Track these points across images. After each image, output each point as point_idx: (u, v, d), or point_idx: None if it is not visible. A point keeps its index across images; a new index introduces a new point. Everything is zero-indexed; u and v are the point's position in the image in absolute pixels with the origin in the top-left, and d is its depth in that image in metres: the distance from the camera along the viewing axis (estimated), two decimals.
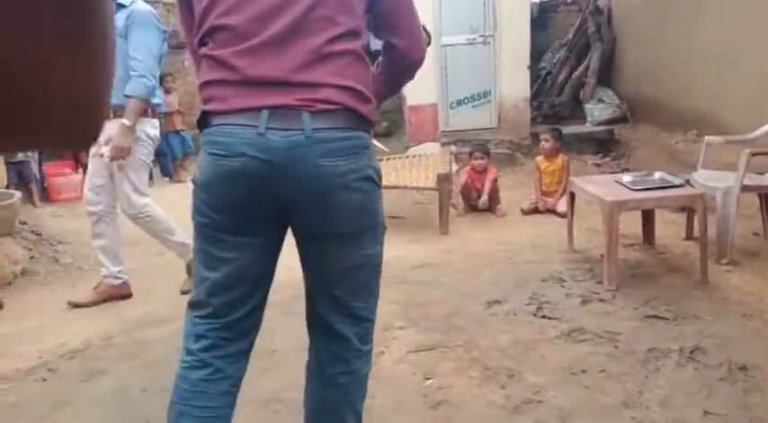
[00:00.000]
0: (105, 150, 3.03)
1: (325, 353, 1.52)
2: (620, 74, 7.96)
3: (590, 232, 4.10)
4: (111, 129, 2.95)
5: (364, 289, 1.48)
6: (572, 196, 3.82)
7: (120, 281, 3.39)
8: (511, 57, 6.78)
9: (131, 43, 3.02)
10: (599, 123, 7.36)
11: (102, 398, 2.39)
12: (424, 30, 1.52)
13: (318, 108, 1.29)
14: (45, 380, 2.55)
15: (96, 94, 0.37)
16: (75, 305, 3.32)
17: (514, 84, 6.85)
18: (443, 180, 4.46)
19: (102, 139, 2.92)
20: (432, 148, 5.94)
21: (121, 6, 3.06)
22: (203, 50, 1.36)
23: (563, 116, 7.82)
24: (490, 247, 4.10)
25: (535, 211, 4.97)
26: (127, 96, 3.00)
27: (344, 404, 1.53)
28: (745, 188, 3.45)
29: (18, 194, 4.24)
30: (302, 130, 1.28)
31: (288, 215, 1.38)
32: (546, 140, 5.08)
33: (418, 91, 6.76)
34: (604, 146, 6.88)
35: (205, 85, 1.36)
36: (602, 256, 3.40)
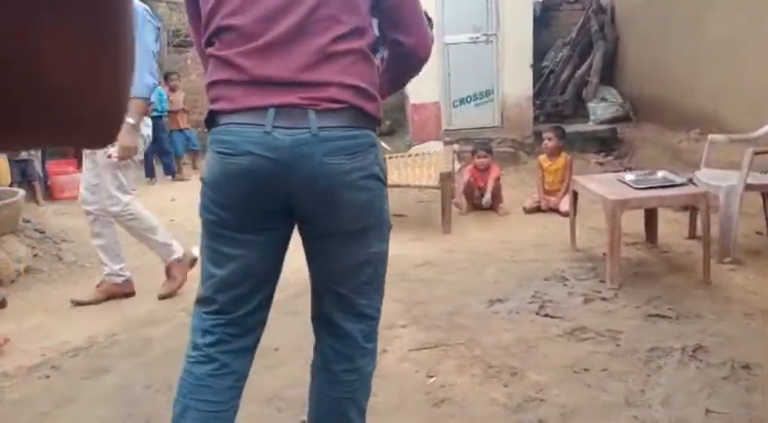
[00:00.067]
0: (113, 151, 3.05)
1: (330, 350, 1.53)
2: (624, 72, 7.94)
3: (592, 231, 4.10)
4: None
5: (369, 287, 1.49)
6: (575, 195, 3.82)
7: (123, 279, 3.40)
8: (514, 55, 6.77)
9: None
10: (602, 122, 7.36)
11: (105, 395, 2.39)
12: (426, 16, 1.52)
13: (324, 107, 1.30)
14: (48, 377, 2.56)
15: (120, 93, 0.37)
16: (79, 303, 3.33)
17: (517, 82, 6.85)
18: (446, 179, 4.46)
19: None
20: (434, 146, 5.94)
21: None
22: (210, 51, 1.37)
23: (566, 115, 7.81)
24: (493, 245, 4.10)
25: (538, 209, 4.97)
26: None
27: (348, 401, 1.54)
28: (748, 187, 3.44)
29: (21, 192, 4.25)
30: (308, 128, 1.29)
31: (294, 213, 1.39)
32: (549, 139, 5.08)
33: (421, 89, 6.76)
34: (607, 145, 6.87)
35: (212, 84, 1.37)
36: (604, 254, 3.40)
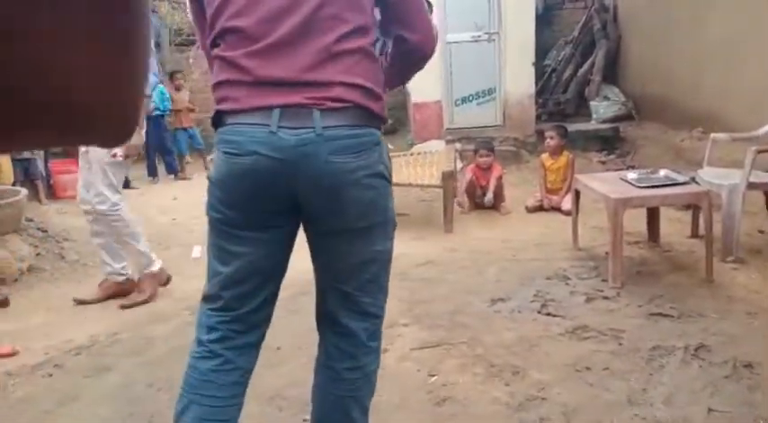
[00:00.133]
0: (118, 150, 3.05)
1: (334, 349, 1.54)
2: (626, 71, 7.93)
3: (595, 230, 4.09)
4: None
5: (374, 285, 1.50)
6: (577, 194, 3.82)
7: (124, 277, 3.40)
8: (516, 54, 6.77)
9: None
10: (604, 121, 7.35)
11: (107, 394, 2.40)
12: (427, 1, 1.52)
13: (329, 106, 1.31)
14: (51, 376, 2.57)
15: (138, 93, 0.38)
16: (81, 302, 3.34)
17: (519, 81, 6.84)
18: (448, 177, 4.46)
19: None
20: (436, 145, 5.94)
21: None
22: (215, 52, 1.38)
23: (568, 113, 7.80)
24: (495, 244, 4.10)
25: (540, 208, 4.97)
26: None
27: (351, 400, 1.54)
28: (750, 186, 3.43)
29: (24, 191, 4.26)
30: (313, 128, 1.30)
31: (300, 211, 1.40)
32: (551, 138, 5.07)
33: (423, 88, 6.76)
34: (609, 143, 6.86)
35: (218, 85, 1.38)
36: (606, 253, 3.39)
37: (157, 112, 6.89)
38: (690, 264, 3.48)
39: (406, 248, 3.86)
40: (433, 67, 6.67)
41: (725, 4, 5.59)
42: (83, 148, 3.14)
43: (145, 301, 3.29)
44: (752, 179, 3.42)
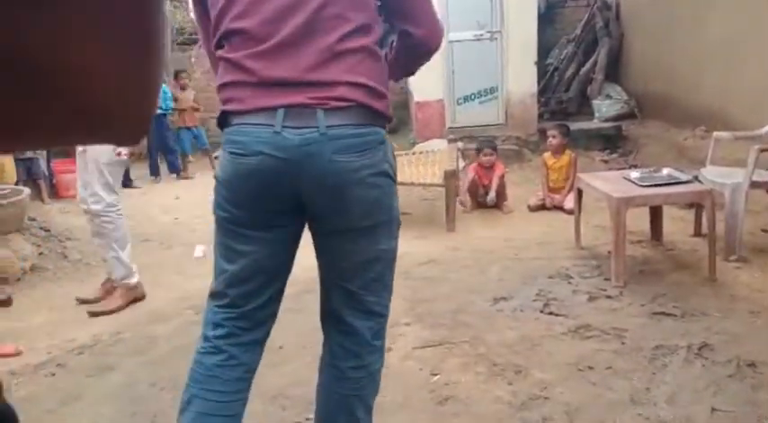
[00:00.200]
0: (123, 149, 3.05)
1: (338, 347, 1.54)
2: (628, 70, 7.92)
3: (597, 229, 4.09)
4: None
5: (378, 283, 1.50)
6: (579, 193, 3.81)
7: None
8: (518, 53, 6.76)
9: None
10: (606, 119, 7.34)
11: (110, 393, 2.40)
12: None
13: (332, 105, 1.31)
14: (54, 375, 2.57)
15: (154, 93, 0.39)
16: (84, 301, 3.34)
17: (521, 80, 6.83)
18: (450, 176, 4.46)
19: None
20: (438, 144, 5.94)
21: None
22: (220, 53, 1.39)
23: (570, 112, 7.79)
24: (497, 243, 4.10)
25: (542, 207, 4.96)
26: None
27: (355, 398, 1.55)
28: (753, 184, 3.42)
29: (27, 191, 4.27)
30: (317, 127, 1.30)
31: (304, 210, 1.41)
32: (553, 137, 5.07)
33: (425, 87, 6.76)
34: (612, 142, 6.85)
35: (223, 86, 1.39)
36: (609, 252, 3.39)
37: (159, 111, 6.89)
38: (693, 263, 3.47)
39: (409, 247, 3.86)
40: (435, 65, 6.67)
41: (727, 3, 5.58)
42: (80, 148, 3.13)
43: (112, 311, 3.20)
44: (755, 178, 3.41)
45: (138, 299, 3.34)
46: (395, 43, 1.53)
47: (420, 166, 4.95)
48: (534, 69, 6.88)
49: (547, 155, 5.16)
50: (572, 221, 3.96)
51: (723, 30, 5.59)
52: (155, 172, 7.51)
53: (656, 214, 3.87)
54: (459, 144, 5.94)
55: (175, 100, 7.51)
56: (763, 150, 3.35)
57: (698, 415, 2.03)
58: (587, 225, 4.06)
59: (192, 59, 8.42)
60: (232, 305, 1.46)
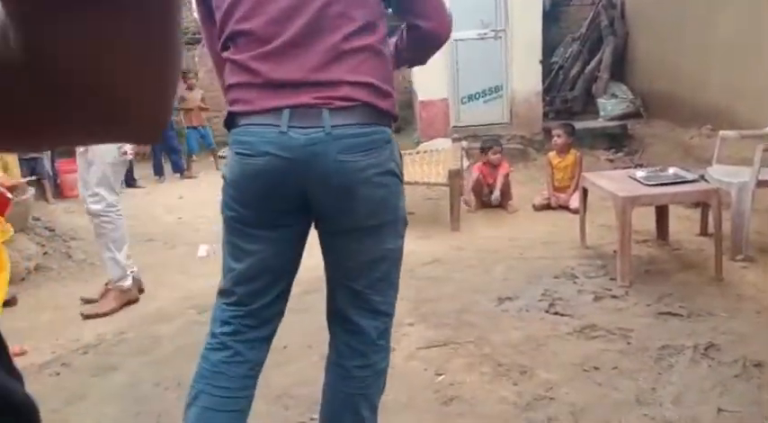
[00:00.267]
0: (128, 148, 3.05)
1: (344, 346, 1.55)
2: (634, 68, 7.89)
3: (602, 228, 4.07)
4: None
5: (384, 283, 1.51)
6: (584, 192, 3.80)
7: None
8: (523, 51, 6.73)
9: None
10: (612, 118, 7.30)
11: (115, 392, 2.40)
12: None
13: (337, 105, 1.32)
14: (59, 374, 2.57)
15: (172, 92, 0.41)
16: (88, 301, 3.34)
17: (526, 78, 6.81)
18: (454, 176, 4.45)
19: None
20: (443, 143, 5.92)
21: None
22: (226, 55, 1.40)
23: (575, 111, 7.76)
24: (502, 243, 4.09)
25: (547, 206, 4.94)
26: None
27: (361, 397, 1.55)
28: (760, 183, 3.40)
29: (31, 190, 4.28)
30: (322, 127, 1.31)
31: (311, 210, 1.42)
32: (558, 136, 5.05)
33: (429, 86, 6.75)
34: (617, 141, 6.83)
35: (230, 87, 1.40)
36: (614, 252, 3.37)
37: None
38: (699, 262, 3.45)
39: (413, 247, 3.84)
40: (440, 64, 6.66)
41: (733, 1, 5.55)
42: (80, 148, 3.13)
43: (105, 314, 3.19)
44: (761, 177, 3.39)
45: (132, 301, 3.33)
46: (404, 34, 1.53)
47: (424, 166, 4.94)
48: (539, 68, 6.86)
49: (552, 154, 5.15)
50: (577, 221, 3.95)
51: (729, 28, 5.56)
52: (158, 171, 7.52)
53: (661, 213, 3.85)
54: (464, 143, 5.92)
55: (182, 100, 7.53)
56: None
57: (704, 415, 2.02)
58: (592, 224, 4.04)
59: (196, 59, 8.42)
60: (239, 303, 1.48)
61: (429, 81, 6.79)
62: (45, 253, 4.07)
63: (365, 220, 1.40)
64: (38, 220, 4.43)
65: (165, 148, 7.50)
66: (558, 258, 3.66)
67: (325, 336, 1.61)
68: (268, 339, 1.54)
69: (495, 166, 5.03)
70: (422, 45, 1.54)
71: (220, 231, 1.52)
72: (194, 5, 1.57)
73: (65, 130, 0.40)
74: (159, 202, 6.19)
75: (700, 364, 2.34)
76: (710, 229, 3.47)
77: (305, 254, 1.52)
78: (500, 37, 6.83)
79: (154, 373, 2.53)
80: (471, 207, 5.04)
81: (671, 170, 3.55)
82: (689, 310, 2.80)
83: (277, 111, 1.32)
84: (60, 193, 6.43)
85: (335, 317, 1.56)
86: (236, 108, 1.38)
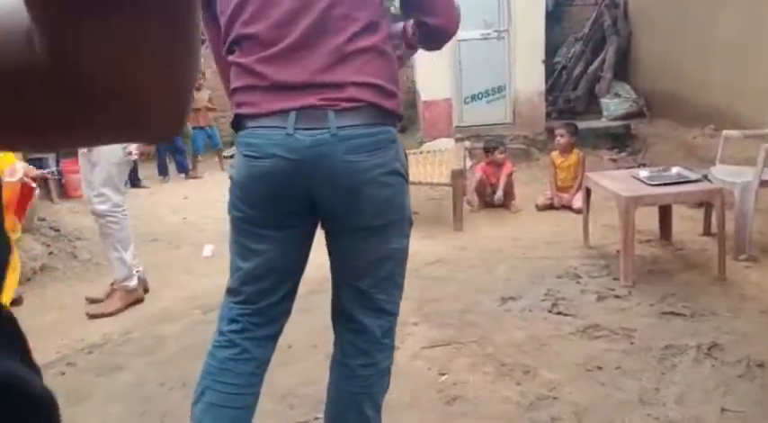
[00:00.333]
0: (133, 148, 3.06)
1: (349, 345, 1.56)
2: (637, 68, 7.88)
3: (606, 228, 4.07)
4: None
5: (389, 282, 1.52)
6: (588, 192, 3.80)
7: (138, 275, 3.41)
8: (525, 51, 6.73)
9: None
10: (615, 118, 7.30)
11: (120, 392, 2.42)
12: None
13: (343, 106, 1.33)
14: (64, 374, 2.59)
15: (190, 92, 0.42)
16: (94, 301, 3.36)
17: (529, 78, 6.81)
18: (457, 176, 4.45)
19: None
20: (446, 143, 5.92)
21: None
22: (231, 58, 1.42)
23: (578, 111, 7.76)
24: (505, 243, 4.09)
25: (550, 206, 4.95)
26: None
27: (365, 396, 1.57)
28: (763, 183, 3.40)
29: (36, 190, 4.29)
30: (328, 128, 1.33)
31: (317, 211, 1.44)
32: (561, 136, 5.05)
33: (432, 86, 6.76)
34: (620, 141, 6.82)
35: (235, 90, 1.42)
36: (618, 252, 3.38)
37: None
38: (702, 262, 3.45)
39: (417, 247, 3.83)
40: (443, 64, 6.66)
41: (737, 1, 5.54)
42: (83, 149, 3.14)
43: (110, 314, 3.20)
44: (765, 177, 3.38)
45: (137, 301, 3.34)
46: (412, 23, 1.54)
47: (427, 166, 4.94)
48: (542, 68, 6.86)
49: (555, 154, 5.15)
50: (580, 221, 3.95)
51: (732, 28, 5.55)
52: (163, 172, 7.54)
53: (665, 213, 3.85)
54: (467, 143, 5.92)
55: None
56: None
57: (707, 415, 2.02)
58: (596, 224, 4.04)
59: (202, 59, 8.46)
60: (247, 302, 1.50)
61: (432, 81, 6.80)
62: (50, 253, 4.09)
63: (371, 219, 1.42)
64: (43, 220, 4.45)
65: (170, 149, 7.52)
66: (561, 258, 3.66)
67: (330, 335, 1.62)
68: (274, 338, 1.56)
69: (498, 166, 5.04)
70: (431, 39, 1.56)
71: (226, 231, 1.53)
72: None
73: (85, 133, 0.41)
74: (164, 202, 6.21)
75: (703, 364, 2.34)
76: (714, 228, 3.47)
77: (311, 253, 1.54)
78: (503, 37, 6.83)
79: (159, 372, 2.54)
80: (474, 207, 5.04)
81: (674, 170, 3.55)
82: (692, 310, 2.80)
83: (283, 113, 1.33)
84: (65, 193, 6.45)
85: (340, 316, 1.58)
86: (242, 111, 1.39)
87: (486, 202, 5.09)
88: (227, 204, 1.49)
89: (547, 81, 7.29)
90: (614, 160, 6.42)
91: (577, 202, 4.55)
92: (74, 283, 3.83)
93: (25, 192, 2.79)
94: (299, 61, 1.33)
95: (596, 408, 2.10)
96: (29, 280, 3.76)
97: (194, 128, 7.73)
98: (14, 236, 2.75)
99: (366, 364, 1.55)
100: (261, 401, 1.57)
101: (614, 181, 3.50)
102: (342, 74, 1.33)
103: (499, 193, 4.98)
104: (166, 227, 5.14)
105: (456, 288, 3.29)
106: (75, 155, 6.66)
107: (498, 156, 5.06)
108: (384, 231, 1.45)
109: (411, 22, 1.52)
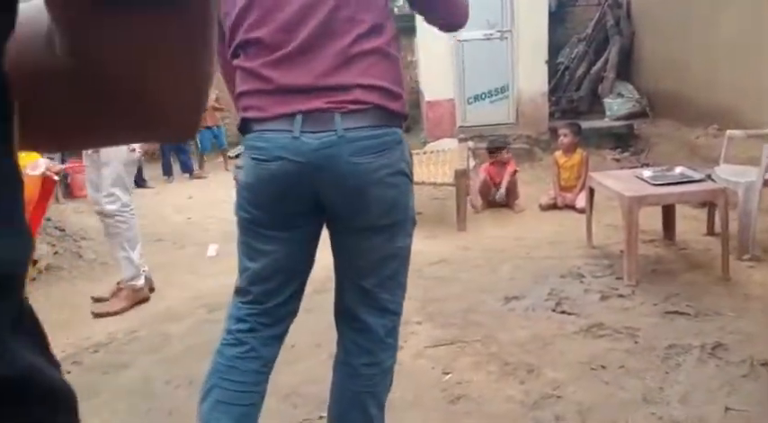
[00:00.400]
0: (136, 146, 3.08)
1: (352, 345, 1.57)
2: (640, 68, 7.87)
3: (609, 228, 4.07)
4: None
5: (393, 281, 1.54)
6: (591, 192, 3.80)
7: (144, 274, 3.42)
8: (529, 52, 6.74)
9: None
10: (618, 118, 7.30)
11: (126, 390, 2.43)
12: None
13: (349, 109, 1.34)
14: (70, 372, 2.60)
15: (206, 96, 0.43)
16: (99, 300, 3.37)
17: (532, 79, 6.81)
18: (461, 176, 4.46)
19: None
20: (449, 143, 5.93)
21: None
22: (236, 62, 1.43)
23: (581, 111, 7.76)
24: (508, 242, 4.09)
25: (553, 206, 4.95)
26: None
27: (368, 395, 1.57)
28: (767, 183, 3.40)
29: (57, 185, 4.30)
30: (335, 130, 1.34)
31: (323, 212, 1.46)
32: (564, 135, 5.05)
33: (435, 86, 6.77)
34: (624, 141, 6.82)
35: (241, 95, 1.43)
36: (621, 251, 3.38)
37: None
38: (706, 262, 3.45)
39: (420, 247, 3.84)
40: (446, 65, 6.67)
41: (737, 0, 5.53)
42: (89, 150, 3.16)
43: (116, 313, 3.21)
44: None
45: (143, 301, 3.36)
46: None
47: (431, 166, 4.95)
48: (545, 68, 6.86)
49: (558, 154, 5.15)
50: (584, 220, 3.95)
51: (736, 27, 5.55)
52: (168, 172, 7.56)
53: (668, 213, 3.85)
54: (470, 143, 5.93)
55: None
56: None
57: (711, 415, 2.03)
58: (599, 224, 4.04)
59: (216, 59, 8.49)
60: (255, 302, 1.51)
61: (435, 81, 6.81)
62: (56, 253, 4.10)
63: (378, 219, 1.43)
64: (48, 220, 4.46)
65: (174, 149, 7.53)
66: (564, 258, 3.66)
67: (334, 335, 1.63)
68: (281, 337, 1.58)
69: (503, 164, 5.04)
70: (443, 29, 1.59)
71: (230, 231, 1.55)
72: None
73: (105, 133, 0.41)
74: (168, 202, 6.23)
75: (707, 364, 2.35)
76: (717, 228, 3.47)
77: (319, 254, 1.55)
78: (506, 37, 6.84)
79: (164, 371, 2.55)
80: (477, 208, 5.04)
81: (678, 170, 3.55)
82: (696, 310, 2.81)
83: (290, 116, 1.34)
84: (70, 192, 6.47)
85: (344, 315, 1.59)
86: (249, 114, 1.41)
87: (489, 202, 5.09)
88: (233, 205, 1.50)
89: (550, 81, 7.29)
90: (617, 160, 6.42)
91: (581, 201, 4.55)
92: (79, 282, 3.85)
93: (46, 187, 2.80)
94: (304, 64, 1.34)
95: (600, 407, 2.11)
96: (34, 279, 3.78)
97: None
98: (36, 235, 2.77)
99: (369, 363, 1.56)
100: (265, 400, 1.57)
101: (617, 181, 3.50)
102: (347, 76, 1.34)
103: (501, 191, 4.98)
104: (171, 227, 5.16)
105: (459, 288, 3.30)
106: (80, 155, 6.70)
107: (506, 155, 5.06)
108: (389, 231, 1.46)
109: None
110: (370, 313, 1.53)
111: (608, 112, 7.44)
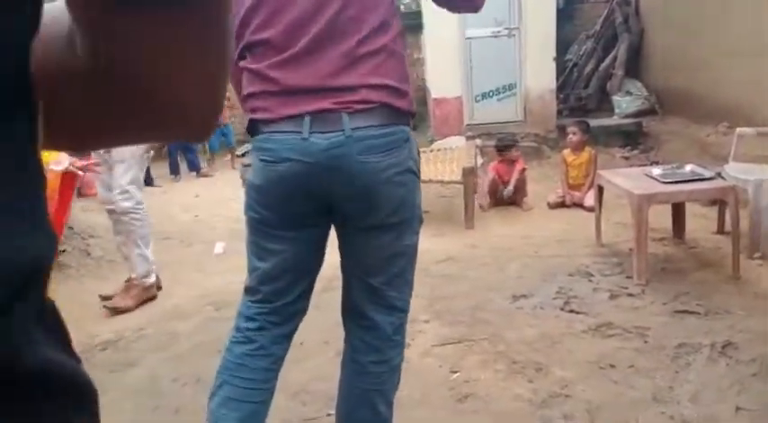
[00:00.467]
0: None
1: (360, 342, 1.58)
2: (649, 65, 7.82)
3: (618, 226, 4.05)
4: None
5: (400, 279, 1.54)
6: (600, 190, 3.78)
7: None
8: (536, 49, 6.70)
9: None
10: (627, 116, 7.25)
11: (133, 388, 2.44)
12: None
13: (356, 108, 1.35)
14: None
15: (223, 95, 0.43)
16: (107, 298, 3.38)
17: (540, 76, 6.78)
18: (468, 174, 4.44)
19: None
20: (456, 141, 5.91)
21: None
22: (243, 64, 1.43)
23: (590, 109, 7.72)
24: (516, 241, 4.08)
25: (562, 204, 4.93)
26: None
27: (376, 393, 1.58)
28: None
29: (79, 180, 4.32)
30: (342, 131, 1.34)
31: (331, 211, 1.46)
32: (573, 133, 5.03)
33: (443, 84, 6.74)
34: (633, 139, 6.77)
35: (248, 96, 1.43)
36: (630, 250, 3.36)
37: None
38: (716, 260, 3.43)
39: (427, 245, 3.85)
40: (453, 62, 6.65)
41: None
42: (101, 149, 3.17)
43: (123, 311, 3.22)
44: None
45: (150, 299, 3.37)
46: None
47: (438, 164, 4.94)
48: (553, 65, 6.82)
49: (566, 152, 5.13)
50: (592, 219, 3.93)
51: (745, 23, 5.50)
52: (174, 170, 7.57)
53: (678, 211, 3.83)
54: (478, 141, 5.91)
55: None
56: None
57: (722, 414, 2.01)
58: (608, 222, 4.02)
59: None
60: (264, 301, 1.52)
61: (443, 79, 6.79)
62: (63, 251, 4.12)
63: (386, 217, 1.44)
64: None
65: (181, 147, 7.55)
66: (572, 256, 3.65)
67: (342, 332, 1.63)
68: (290, 336, 1.59)
69: (512, 162, 5.02)
70: (460, 11, 1.63)
71: (237, 229, 1.55)
72: None
73: (125, 133, 0.41)
74: (176, 200, 6.25)
75: (717, 363, 2.33)
76: (727, 226, 3.44)
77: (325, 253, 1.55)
78: (514, 35, 6.81)
79: (172, 368, 2.56)
80: (485, 207, 5.01)
81: (687, 167, 3.52)
82: (706, 309, 2.78)
83: (298, 117, 1.35)
84: (79, 191, 6.49)
85: (351, 313, 1.59)
86: (257, 116, 1.41)
87: (497, 200, 5.08)
88: (240, 203, 1.51)
89: (558, 79, 7.25)
90: (626, 158, 6.38)
91: (589, 199, 4.52)
92: (87, 280, 3.86)
93: (66, 182, 2.80)
94: (311, 65, 1.34)
95: (609, 406, 2.10)
96: None
97: None
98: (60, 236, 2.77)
99: (377, 360, 1.56)
100: (274, 397, 1.58)
101: (627, 179, 3.48)
102: (354, 77, 1.35)
103: (509, 188, 4.95)
104: (178, 225, 5.17)
105: (467, 286, 3.28)
106: (89, 153, 6.72)
107: (515, 153, 5.05)
108: (397, 229, 1.47)
109: None
110: (377, 311, 1.54)
111: (617, 110, 7.40)
